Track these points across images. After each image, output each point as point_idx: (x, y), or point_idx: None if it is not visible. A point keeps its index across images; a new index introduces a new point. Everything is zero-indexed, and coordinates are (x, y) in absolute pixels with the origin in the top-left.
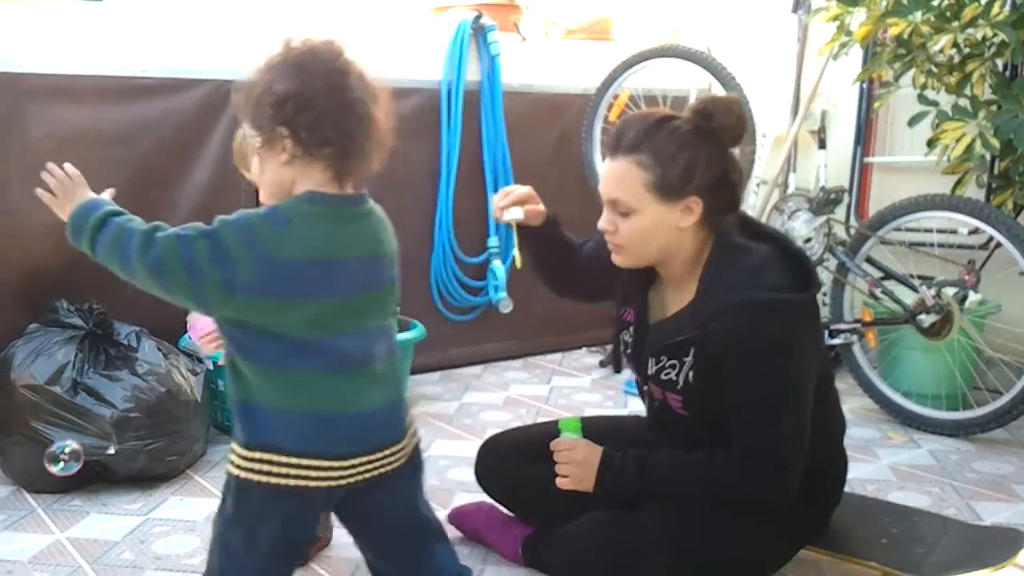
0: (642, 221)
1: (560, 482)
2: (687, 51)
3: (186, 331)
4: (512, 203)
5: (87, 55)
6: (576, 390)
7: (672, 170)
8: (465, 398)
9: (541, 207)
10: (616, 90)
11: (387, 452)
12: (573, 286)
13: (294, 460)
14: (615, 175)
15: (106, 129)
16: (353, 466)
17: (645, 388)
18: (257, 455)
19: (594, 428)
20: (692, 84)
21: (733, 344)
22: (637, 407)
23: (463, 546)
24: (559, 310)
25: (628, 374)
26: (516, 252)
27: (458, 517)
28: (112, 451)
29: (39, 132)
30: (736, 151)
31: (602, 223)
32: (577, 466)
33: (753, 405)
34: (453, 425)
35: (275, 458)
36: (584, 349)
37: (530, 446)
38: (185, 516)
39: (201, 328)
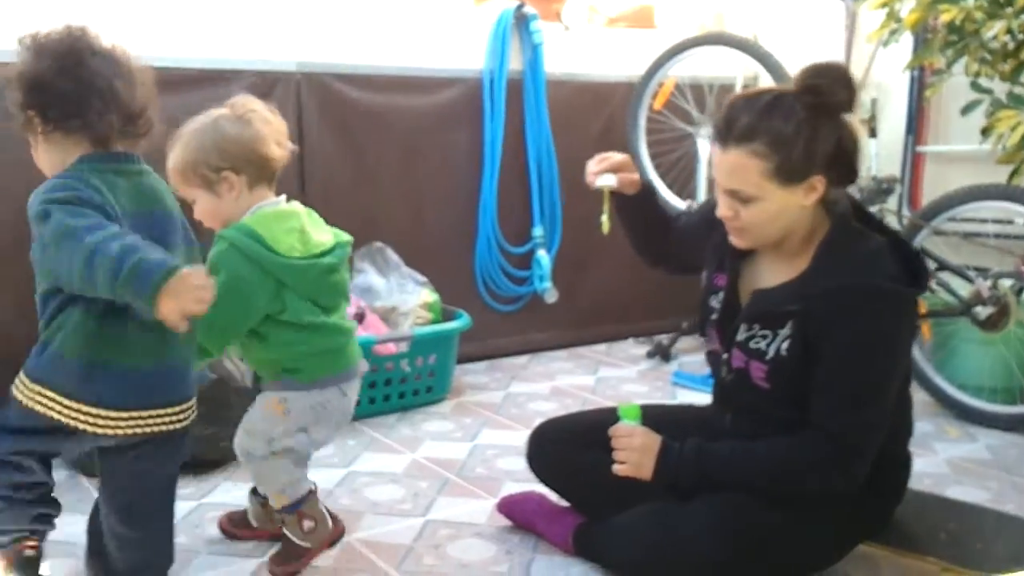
0: (766, 207)
1: (617, 468)
2: (734, 39)
3: None
4: (606, 169)
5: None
6: (623, 381)
7: (792, 154)
8: (511, 388)
9: (636, 176)
10: (661, 78)
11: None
12: (666, 256)
13: (65, 401)
14: (730, 166)
15: None
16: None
17: (724, 356)
18: (37, 388)
19: (650, 416)
20: (739, 72)
21: (839, 324)
22: (686, 399)
23: (512, 534)
24: (605, 300)
25: (676, 365)
26: (604, 218)
27: (508, 506)
28: None
29: None
30: (849, 116)
31: (721, 210)
32: (635, 453)
33: (843, 388)
34: (500, 415)
35: (51, 394)
36: (631, 340)
37: (583, 433)
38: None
39: None
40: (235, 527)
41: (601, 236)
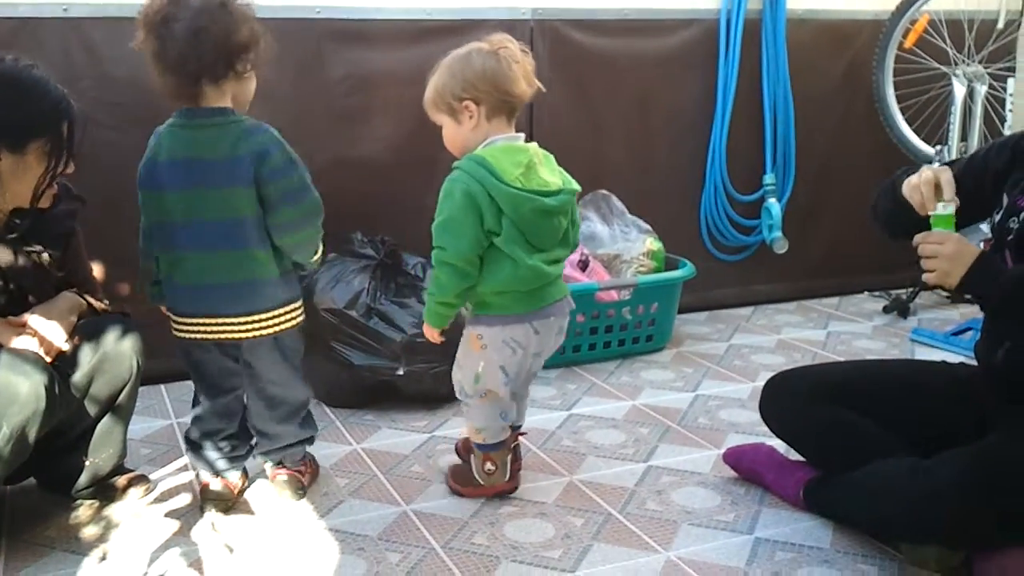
0: None
1: (926, 276)
2: None
3: None
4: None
5: (375, 3)
6: (857, 336)
7: None
8: (734, 340)
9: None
10: (914, 14)
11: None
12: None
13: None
14: None
15: (396, 70)
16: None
17: None
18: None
19: (892, 377)
20: (1002, 5)
21: None
22: (925, 355)
23: (738, 486)
24: (838, 252)
25: (915, 322)
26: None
27: (735, 456)
28: (401, 372)
29: (337, 74)
30: None
31: None
32: (946, 260)
33: None
34: (721, 366)
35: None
36: (866, 294)
37: (823, 387)
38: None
39: None
40: (468, 451)
41: (837, 186)
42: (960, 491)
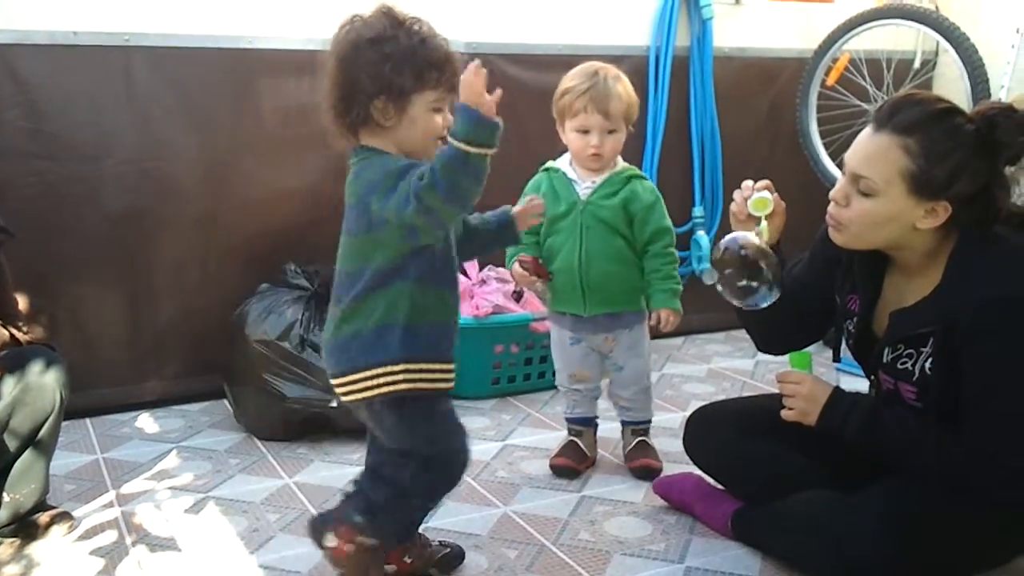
0: (879, 207)
1: (785, 413)
2: (914, 11)
3: None
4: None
5: (313, 31)
6: (784, 365)
7: (936, 170)
8: (666, 369)
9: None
10: (836, 54)
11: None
12: (797, 327)
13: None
14: (872, 150)
15: None
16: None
17: (872, 378)
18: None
19: None
20: (918, 46)
21: (980, 342)
22: (849, 386)
23: (669, 515)
24: None
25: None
26: (764, 225)
27: (665, 487)
28: (335, 404)
29: (271, 104)
30: (1011, 170)
31: (835, 193)
32: (803, 400)
33: (992, 405)
34: (655, 396)
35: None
36: None
37: (744, 419)
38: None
39: None
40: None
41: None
42: (873, 532)
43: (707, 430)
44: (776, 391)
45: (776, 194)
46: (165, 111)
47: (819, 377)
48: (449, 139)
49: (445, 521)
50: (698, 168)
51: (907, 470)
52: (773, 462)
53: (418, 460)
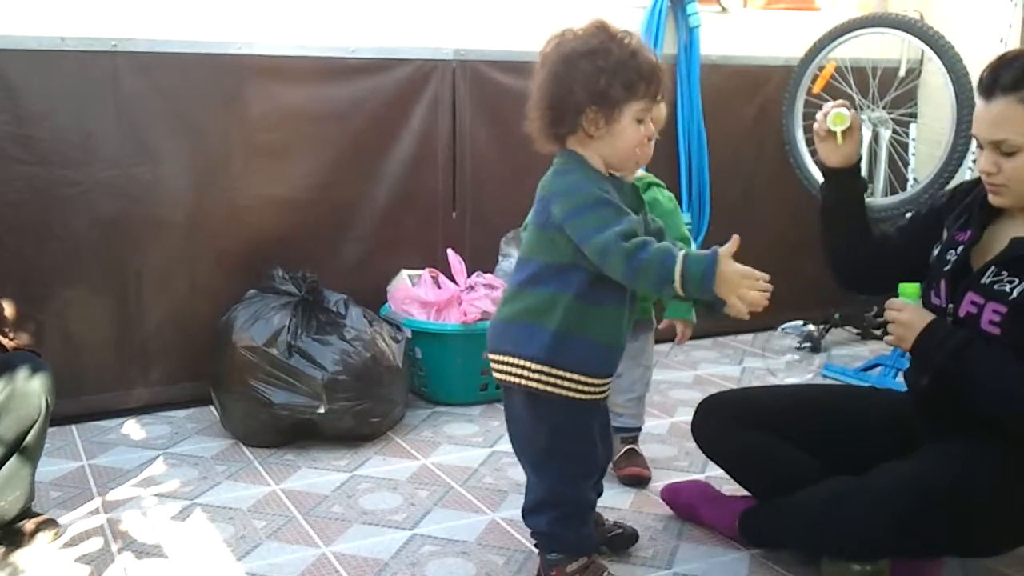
0: None
1: (887, 339)
2: (898, 19)
3: (385, 300)
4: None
5: (301, 38)
6: (771, 371)
7: None
8: (653, 375)
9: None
10: (821, 61)
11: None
12: (870, 268)
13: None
14: (995, 116)
15: (318, 107)
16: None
17: (949, 306)
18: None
19: (821, 402)
20: (904, 54)
21: None
22: None
23: (656, 521)
24: None
25: (827, 357)
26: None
27: (672, 493)
28: (322, 410)
29: (258, 111)
30: None
31: (982, 165)
32: (901, 326)
33: None
34: None
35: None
36: (779, 330)
37: (751, 410)
38: (388, 475)
39: (401, 298)
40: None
41: (750, 225)
42: (886, 520)
43: (715, 419)
44: (779, 385)
45: (853, 111)
46: (153, 116)
47: (922, 308)
48: (677, 264)
49: (431, 528)
50: (685, 175)
51: (988, 402)
52: (774, 456)
53: (542, 457)
